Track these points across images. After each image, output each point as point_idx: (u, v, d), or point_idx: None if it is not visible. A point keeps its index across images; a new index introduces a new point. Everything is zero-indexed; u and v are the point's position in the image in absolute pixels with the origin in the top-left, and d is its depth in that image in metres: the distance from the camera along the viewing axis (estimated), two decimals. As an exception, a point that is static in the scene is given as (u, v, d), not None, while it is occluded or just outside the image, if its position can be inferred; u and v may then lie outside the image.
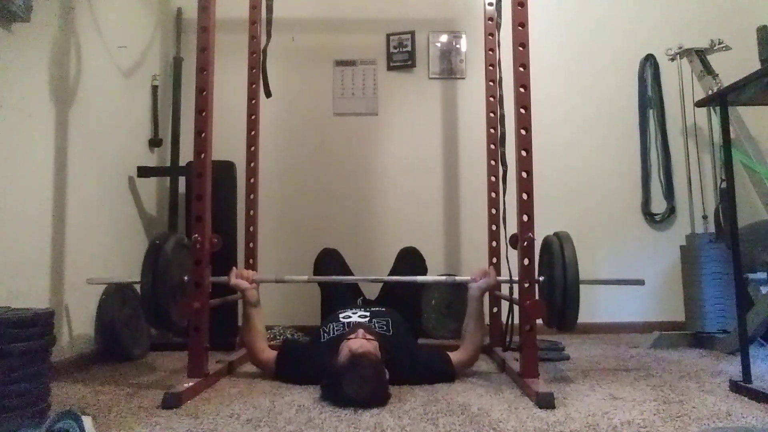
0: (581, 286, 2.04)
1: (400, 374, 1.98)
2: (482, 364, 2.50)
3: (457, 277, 2.60)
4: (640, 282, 2.29)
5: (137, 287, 2.78)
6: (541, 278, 2.15)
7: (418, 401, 1.84)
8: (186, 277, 2.14)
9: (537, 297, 2.07)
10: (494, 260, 2.80)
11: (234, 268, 2.38)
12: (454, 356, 2.19)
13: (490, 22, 2.91)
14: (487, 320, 2.87)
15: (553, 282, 2.05)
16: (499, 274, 2.77)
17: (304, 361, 2.12)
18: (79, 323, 2.44)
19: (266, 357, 2.23)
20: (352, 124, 3.48)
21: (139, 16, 3.14)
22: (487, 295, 2.87)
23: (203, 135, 2.12)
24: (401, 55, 3.50)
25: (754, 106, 2.34)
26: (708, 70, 2.95)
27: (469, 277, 2.34)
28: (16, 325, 1.50)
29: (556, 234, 2.18)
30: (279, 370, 2.17)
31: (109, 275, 2.64)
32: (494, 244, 2.81)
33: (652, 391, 1.96)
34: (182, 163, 3.15)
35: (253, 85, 2.84)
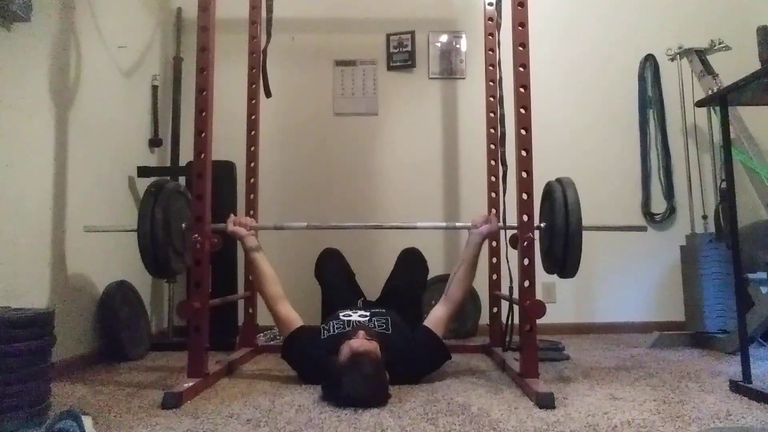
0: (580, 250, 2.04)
1: (400, 374, 1.99)
2: (482, 364, 2.50)
3: (457, 224, 2.61)
4: (643, 228, 2.39)
5: (138, 287, 2.82)
6: (543, 225, 2.14)
7: (418, 401, 1.84)
8: (184, 225, 2.15)
9: (537, 244, 2.05)
10: (494, 260, 2.80)
11: (232, 215, 2.38)
12: (438, 313, 2.20)
13: (490, 22, 2.91)
14: (487, 320, 2.88)
15: (555, 227, 2.03)
16: (499, 275, 2.78)
17: (309, 350, 2.14)
18: (79, 323, 2.44)
19: (283, 313, 2.23)
20: (352, 124, 3.48)
21: (139, 16, 3.14)
22: (487, 295, 2.89)
23: (203, 135, 2.12)
24: (401, 55, 3.50)
25: (754, 106, 2.34)
26: (708, 70, 2.95)
27: (469, 223, 2.34)
28: (16, 325, 1.50)
29: (558, 180, 2.17)
30: (284, 352, 2.20)
31: (109, 277, 2.64)
32: (494, 244, 2.81)
33: (652, 391, 1.96)
34: (182, 163, 3.15)
35: (253, 85, 2.84)
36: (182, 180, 3.16)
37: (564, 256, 2.03)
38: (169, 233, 2.12)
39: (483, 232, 2.28)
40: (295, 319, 2.24)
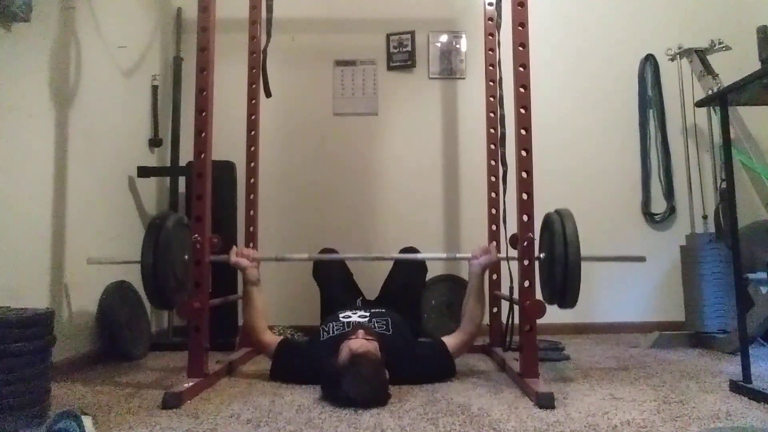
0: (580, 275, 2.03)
1: (400, 374, 1.98)
2: (482, 364, 2.50)
3: (457, 255, 2.61)
4: (641, 259, 2.31)
5: (138, 287, 2.82)
6: (542, 255, 2.14)
7: (418, 401, 1.84)
8: (186, 256, 2.15)
9: (537, 274, 2.05)
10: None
11: (234, 246, 2.38)
12: (452, 340, 2.19)
13: (490, 22, 2.91)
14: (487, 320, 2.88)
15: (554, 259, 2.04)
16: (499, 275, 2.78)
17: (301, 363, 2.12)
18: (79, 323, 2.44)
19: (266, 340, 2.24)
20: (352, 124, 3.48)
21: (139, 16, 3.13)
22: (487, 295, 2.89)
23: (203, 135, 2.12)
24: (401, 55, 3.50)
25: (754, 106, 2.35)
26: (708, 70, 2.95)
27: (469, 254, 2.34)
28: (16, 325, 1.50)
29: (557, 211, 2.17)
30: (274, 372, 2.17)
31: (109, 277, 2.64)
32: (494, 243, 2.81)
33: (652, 391, 1.96)
34: (182, 163, 3.15)
35: (253, 85, 2.84)
36: (182, 180, 3.17)
37: (563, 288, 2.03)
38: (173, 266, 2.11)
39: (482, 263, 2.30)
40: (276, 340, 2.25)
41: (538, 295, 2.08)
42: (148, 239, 2.08)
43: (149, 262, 2.05)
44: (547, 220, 2.17)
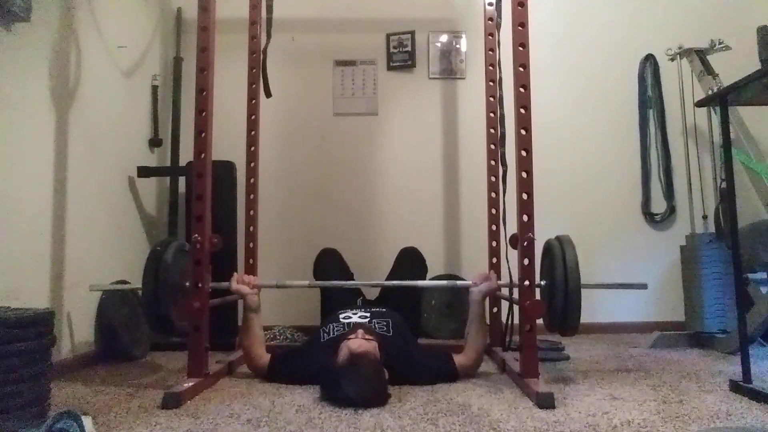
0: (582, 290, 2.04)
1: (400, 374, 1.98)
2: (482, 364, 2.49)
3: (458, 282, 2.60)
4: (643, 286, 2.28)
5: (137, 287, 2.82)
6: (543, 282, 2.15)
7: (418, 401, 1.84)
8: (187, 283, 2.15)
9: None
10: (494, 260, 2.80)
11: (235, 273, 2.38)
12: (457, 359, 2.19)
13: (490, 22, 2.91)
14: (487, 320, 2.88)
15: (555, 286, 2.05)
16: (499, 275, 2.78)
17: (299, 366, 2.12)
18: (79, 323, 2.43)
19: (263, 364, 2.22)
20: (352, 124, 3.48)
21: (139, 16, 3.14)
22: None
23: (203, 135, 2.12)
24: (401, 55, 3.50)
25: (754, 106, 2.34)
26: (708, 70, 2.95)
27: (470, 282, 2.35)
28: (16, 325, 1.50)
29: (557, 238, 2.18)
30: (271, 371, 2.16)
31: (109, 277, 2.64)
32: (494, 244, 2.81)
33: (652, 391, 1.96)
34: (182, 163, 3.15)
35: (253, 85, 2.84)
36: (182, 180, 3.17)
37: (564, 314, 2.03)
38: (173, 293, 2.11)
39: (483, 290, 2.30)
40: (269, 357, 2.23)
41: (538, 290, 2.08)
42: (149, 265, 2.08)
43: (150, 290, 2.05)
44: (548, 247, 2.18)
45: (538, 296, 2.09)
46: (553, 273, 2.07)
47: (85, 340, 2.47)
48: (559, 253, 2.08)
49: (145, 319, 2.13)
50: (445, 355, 2.17)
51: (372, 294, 2.74)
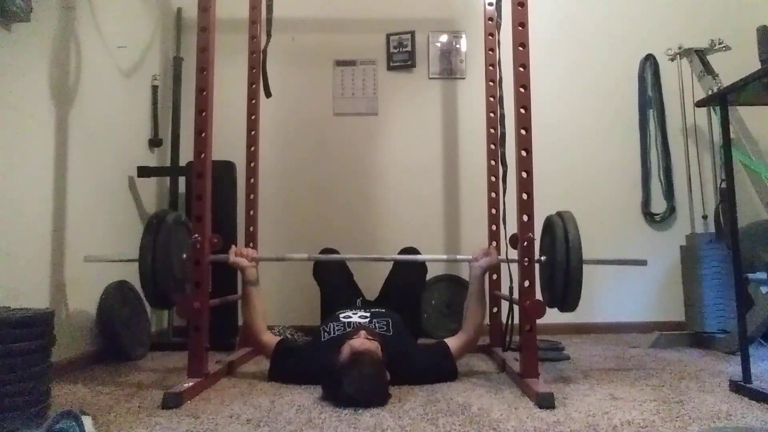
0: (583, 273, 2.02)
1: (400, 375, 1.98)
2: (482, 364, 2.50)
3: (458, 256, 2.61)
4: (643, 262, 2.31)
5: (138, 287, 2.82)
6: (543, 258, 2.14)
7: (418, 401, 1.84)
8: (184, 255, 2.14)
9: (537, 277, 2.05)
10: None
11: (233, 245, 2.38)
12: (455, 342, 2.19)
13: (490, 22, 2.91)
14: (487, 320, 2.88)
15: (555, 262, 2.04)
16: (499, 275, 2.78)
17: (300, 365, 2.12)
18: (79, 323, 2.44)
19: (265, 340, 2.24)
20: (352, 124, 3.48)
21: (139, 16, 3.14)
22: (487, 295, 2.89)
23: (203, 135, 2.12)
24: (401, 55, 3.50)
25: (754, 106, 2.34)
26: (708, 70, 2.95)
27: (470, 256, 2.34)
28: (16, 325, 1.50)
29: (558, 213, 2.17)
30: (272, 373, 2.17)
31: (109, 277, 2.64)
32: (494, 243, 2.81)
33: (652, 391, 1.96)
34: (182, 163, 3.15)
35: (253, 85, 2.84)
36: (182, 180, 3.17)
37: (564, 292, 2.03)
38: (170, 265, 2.11)
39: (483, 265, 2.30)
40: (274, 340, 2.25)
41: (538, 296, 2.08)
42: (146, 237, 2.08)
43: (147, 260, 2.04)
44: (549, 223, 2.17)
45: (537, 272, 2.08)
46: (554, 250, 2.06)
47: (85, 340, 2.47)
48: (561, 230, 2.07)
49: (142, 291, 2.12)
50: (444, 352, 2.16)
51: (372, 295, 2.74)
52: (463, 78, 3.50)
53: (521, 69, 2.10)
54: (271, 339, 2.26)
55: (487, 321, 2.87)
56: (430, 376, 2.10)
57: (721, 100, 2.05)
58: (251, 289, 2.32)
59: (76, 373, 2.27)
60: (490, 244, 2.79)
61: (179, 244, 2.18)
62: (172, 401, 1.78)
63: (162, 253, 2.07)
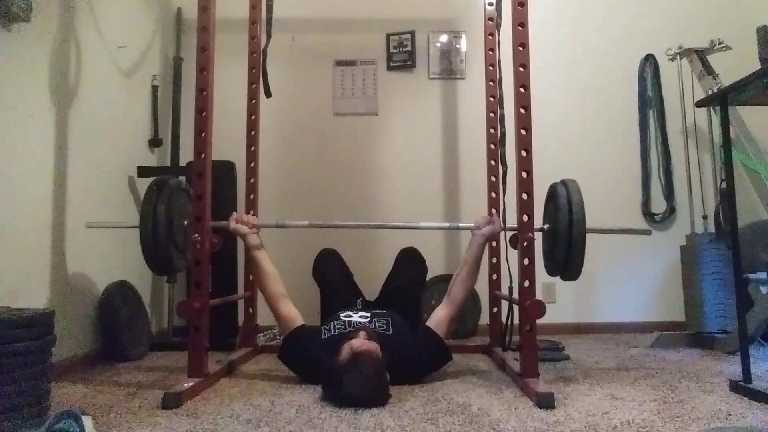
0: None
1: (400, 374, 1.99)
2: (482, 364, 2.50)
3: (460, 224, 2.62)
4: (647, 232, 2.37)
5: (138, 287, 2.82)
6: (546, 226, 2.13)
7: (418, 401, 1.84)
8: (186, 222, 2.15)
9: (541, 246, 2.05)
10: (494, 260, 2.80)
11: (234, 212, 2.37)
12: (442, 313, 2.19)
13: (490, 22, 2.91)
14: (487, 320, 2.88)
15: (558, 230, 2.03)
16: (499, 275, 2.78)
17: (304, 358, 2.13)
18: (79, 323, 2.43)
19: (284, 313, 2.22)
20: (352, 124, 3.48)
21: (139, 16, 3.14)
22: (487, 295, 2.89)
23: (203, 135, 2.12)
24: (401, 55, 3.50)
25: (754, 106, 2.34)
26: (708, 70, 2.95)
27: (473, 224, 2.35)
28: (16, 325, 1.50)
29: (563, 181, 2.17)
30: (282, 355, 2.19)
31: (109, 277, 2.64)
32: (494, 243, 2.81)
33: (652, 391, 1.96)
34: (182, 163, 3.15)
35: (253, 85, 2.84)
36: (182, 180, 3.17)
37: (567, 260, 2.02)
38: (171, 231, 2.13)
39: (485, 233, 2.29)
40: (296, 317, 2.24)
41: (538, 296, 2.07)
42: (146, 204, 2.08)
43: (148, 228, 2.05)
44: (553, 191, 2.16)
45: (538, 238, 2.07)
46: (557, 217, 2.05)
47: (85, 340, 2.47)
48: (565, 198, 2.06)
49: (144, 257, 2.13)
50: (439, 345, 2.16)
51: (372, 295, 2.74)
52: (463, 78, 3.50)
53: (521, 69, 2.10)
54: (289, 312, 2.22)
55: (487, 321, 2.88)
56: (427, 368, 2.15)
57: (721, 100, 2.05)
58: (256, 253, 2.28)
59: (76, 373, 2.27)
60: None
61: (181, 210, 2.18)
62: (172, 401, 1.78)
63: (163, 219, 2.07)
